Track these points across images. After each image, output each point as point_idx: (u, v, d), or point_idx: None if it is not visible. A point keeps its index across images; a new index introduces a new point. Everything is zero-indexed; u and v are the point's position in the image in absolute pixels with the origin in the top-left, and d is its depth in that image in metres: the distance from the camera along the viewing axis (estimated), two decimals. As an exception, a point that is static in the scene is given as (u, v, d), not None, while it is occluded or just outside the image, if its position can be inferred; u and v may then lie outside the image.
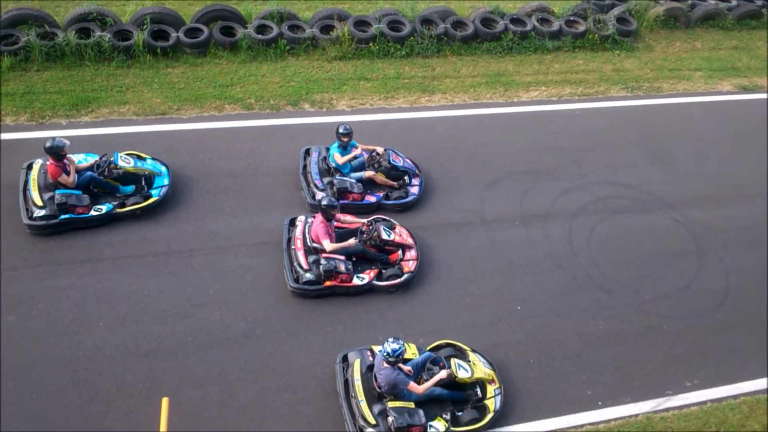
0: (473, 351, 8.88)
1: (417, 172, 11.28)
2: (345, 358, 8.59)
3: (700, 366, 9.58)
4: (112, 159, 10.18)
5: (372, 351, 8.61)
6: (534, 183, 11.87)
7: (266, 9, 14.12)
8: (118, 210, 10.01)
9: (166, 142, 11.38)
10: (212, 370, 8.66)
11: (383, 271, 9.76)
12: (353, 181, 10.67)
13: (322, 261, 9.36)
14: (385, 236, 9.86)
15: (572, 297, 10.19)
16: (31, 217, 9.66)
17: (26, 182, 9.95)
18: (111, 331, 8.88)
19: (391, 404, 8.00)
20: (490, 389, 8.52)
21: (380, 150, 11.02)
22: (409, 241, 10.10)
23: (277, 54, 13.64)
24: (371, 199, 10.76)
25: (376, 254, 9.95)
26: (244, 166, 11.28)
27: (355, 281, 9.48)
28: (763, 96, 15.06)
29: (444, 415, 8.36)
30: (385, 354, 7.92)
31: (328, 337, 9.14)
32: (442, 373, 8.28)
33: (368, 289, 9.62)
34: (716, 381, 9.44)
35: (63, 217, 9.69)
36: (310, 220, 9.92)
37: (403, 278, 9.72)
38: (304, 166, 11.00)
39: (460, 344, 8.96)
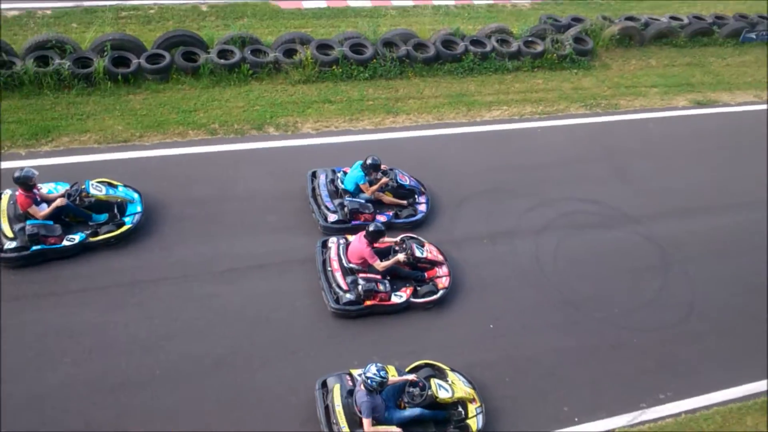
0: (452, 370, 8.79)
1: (423, 189, 11.43)
2: (324, 384, 8.41)
3: (672, 378, 9.62)
4: (83, 187, 9.97)
5: (351, 375, 8.44)
6: (499, 201, 11.91)
7: (228, 34, 14.07)
8: (91, 239, 9.77)
9: (129, 170, 11.13)
10: (184, 403, 8.39)
11: (418, 288, 9.87)
12: (364, 201, 10.74)
13: (360, 281, 9.46)
14: (418, 253, 9.96)
15: (543, 313, 10.19)
16: (1, 249, 9.37)
17: None
18: (78, 366, 8.58)
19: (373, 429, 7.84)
20: (472, 408, 8.42)
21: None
22: (440, 257, 10.21)
23: (240, 78, 13.57)
24: (382, 218, 10.81)
25: (411, 272, 10.07)
26: (210, 191, 11.11)
27: (394, 299, 9.59)
28: (718, 110, 15.50)
29: None
30: (364, 379, 7.83)
31: (299, 363, 8.94)
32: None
33: (406, 307, 9.71)
34: (689, 392, 9.48)
35: (35, 248, 9.42)
36: (342, 241, 10.02)
37: (438, 294, 9.85)
38: (313, 189, 11.02)
39: (439, 364, 8.86)
